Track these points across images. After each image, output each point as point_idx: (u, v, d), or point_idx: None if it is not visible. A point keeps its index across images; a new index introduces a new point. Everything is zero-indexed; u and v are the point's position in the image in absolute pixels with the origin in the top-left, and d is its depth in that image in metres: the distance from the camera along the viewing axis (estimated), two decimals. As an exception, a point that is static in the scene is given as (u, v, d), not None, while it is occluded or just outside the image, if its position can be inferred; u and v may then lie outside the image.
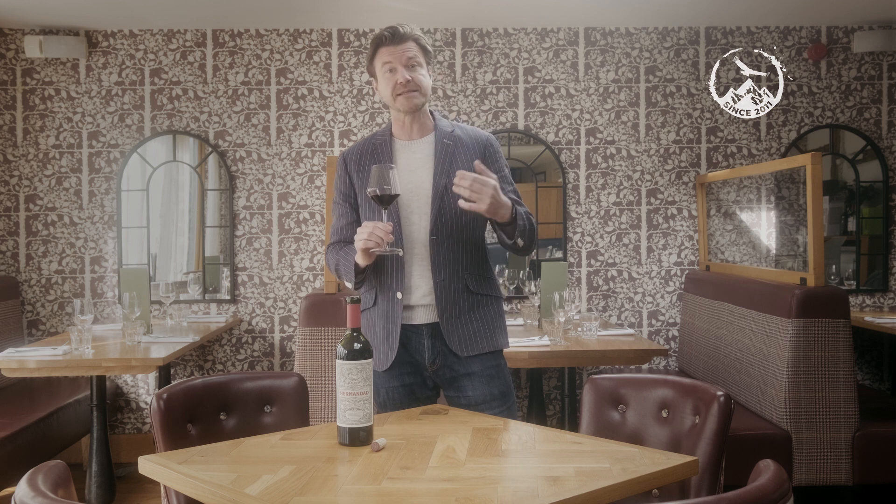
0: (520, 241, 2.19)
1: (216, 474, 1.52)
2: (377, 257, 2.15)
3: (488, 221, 2.26)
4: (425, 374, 2.26)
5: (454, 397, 2.26)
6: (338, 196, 2.35)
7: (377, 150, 2.29)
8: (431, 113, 2.34)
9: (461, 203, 2.04)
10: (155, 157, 4.50)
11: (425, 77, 2.24)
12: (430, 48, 2.28)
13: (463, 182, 2.02)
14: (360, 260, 2.13)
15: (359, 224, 2.26)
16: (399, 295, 2.20)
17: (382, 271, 2.22)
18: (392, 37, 2.20)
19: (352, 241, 2.27)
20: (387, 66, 2.22)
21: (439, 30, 4.50)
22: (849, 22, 4.48)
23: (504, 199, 2.10)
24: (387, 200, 2.07)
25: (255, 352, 4.51)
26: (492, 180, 2.05)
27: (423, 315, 2.22)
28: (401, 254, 2.17)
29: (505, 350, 2.35)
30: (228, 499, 1.42)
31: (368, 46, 2.28)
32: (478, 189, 2.01)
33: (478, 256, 2.29)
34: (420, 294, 2.22)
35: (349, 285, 2.25)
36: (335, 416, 1.74)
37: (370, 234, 2.03)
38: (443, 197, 2.20)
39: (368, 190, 2.06)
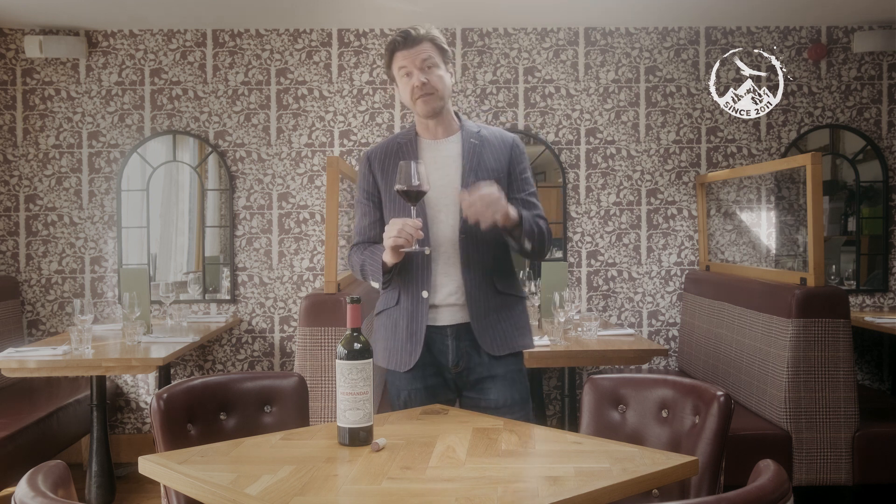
0: (527, 245, 2.15)
1: (216, 474, 1.52)
2: (405, 256, 2.12)
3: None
4: (448, 377, 2.23)
5: (475, 399, 2.22)
6: (361, 195, 2.30)
7: (402, 149, 2.25)
8: (456, 114, 2.31)
9: (466, 210, 2.01)
10: (155, 157, 4.50)
11: (442, 78, 2.20)
12: (446, 47, 2.24)
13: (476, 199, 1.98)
14: (389, 258, 2.09)
15: (382, 223, 2.22)
16: (425, 294, 2.18)
17: (407, 270, 2.19)
18: (405, 41, 2.18)
19: (376, 241, 2.24)
20: (402, 70, 2.19)
21: (439, 30, 4.49)
22: (849, 22, 4.48)
23: (504, 204, 2.04)
24: (415, 196, 2.02)
25: (255, 352, 4.51)
26: (498, 193, 2.01)
27: (449, 316, 2.20)
28: (428, 251, 2.14)
29: None
30: (228, 499, 1.41)
31: (384, 52, 2.25)
32: (488, 203, 1.98)
33: (504, 256, 2.27)
34: (445, 293, 2.19)
35: (376, 286, 2.21)
36: (335, 416, 1.74)
37: (400, 230, 1.99)
38: None
39: (396, 186, 2.02)
